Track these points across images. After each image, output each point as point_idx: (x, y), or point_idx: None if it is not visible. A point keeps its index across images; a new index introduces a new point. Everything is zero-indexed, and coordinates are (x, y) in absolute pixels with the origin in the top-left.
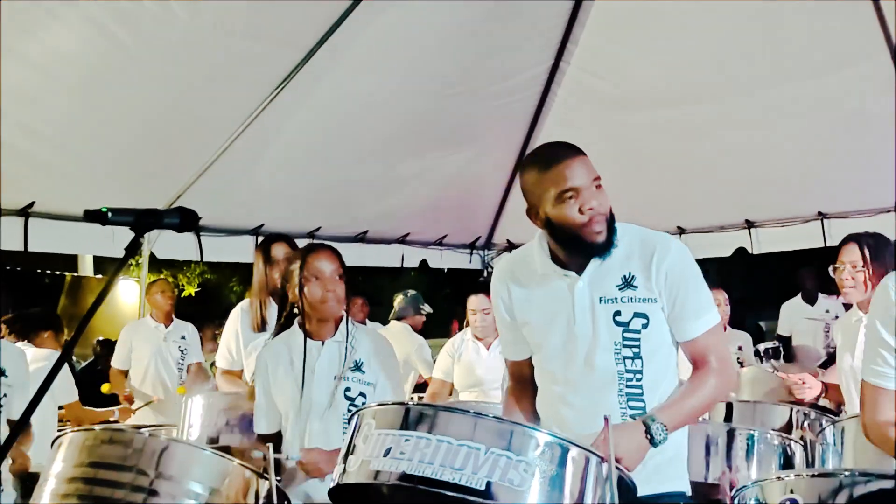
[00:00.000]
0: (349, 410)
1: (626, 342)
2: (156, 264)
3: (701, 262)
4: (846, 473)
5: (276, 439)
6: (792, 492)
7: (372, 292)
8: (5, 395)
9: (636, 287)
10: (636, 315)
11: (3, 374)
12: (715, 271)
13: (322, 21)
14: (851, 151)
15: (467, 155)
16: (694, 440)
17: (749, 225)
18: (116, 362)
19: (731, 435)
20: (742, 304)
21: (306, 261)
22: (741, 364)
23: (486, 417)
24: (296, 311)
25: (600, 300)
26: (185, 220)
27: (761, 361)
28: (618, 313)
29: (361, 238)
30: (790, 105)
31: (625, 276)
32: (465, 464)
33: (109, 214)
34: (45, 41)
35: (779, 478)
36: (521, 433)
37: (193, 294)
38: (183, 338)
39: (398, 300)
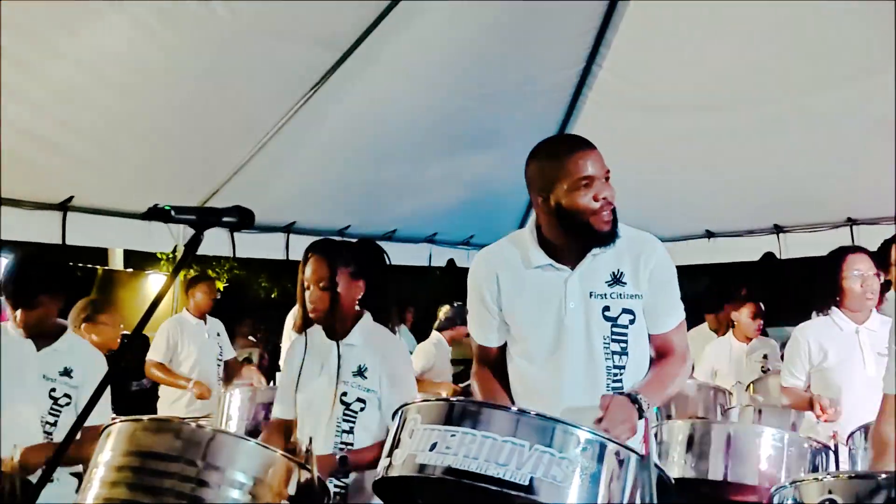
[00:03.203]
0: (345, 415)
1: (614, 337)
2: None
3: (728, 266)
4: (884, 475)
5: (289, 426)
6: (830, 492)
7: (399, 291)
8: (66, 397)
9: (625, 283)
10: (624, 311)
11: (68, 375)
12: (741, 275)
13: (358, 23)
14: (882, 158)
15: (496, 156)
16: (730, 442)
17: (778, 230)
18: (156, 354)
19: (762, 437)
20: (769, 309)
21: (301, 267)
22: (765, 371)
23: (529, 415)
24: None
25: (591, 295)
26: (242, 218)
27: None
28: (607, 308)
29: (390, 237)
30: (820, 111)
31: (614, 273)
32: (509, 459)
33: (173, 212)
34: (89, 40)
35: (817, 479)
36: (563, 430)
37: (222, 289)
38: (218, 334)
39: (444, 310)
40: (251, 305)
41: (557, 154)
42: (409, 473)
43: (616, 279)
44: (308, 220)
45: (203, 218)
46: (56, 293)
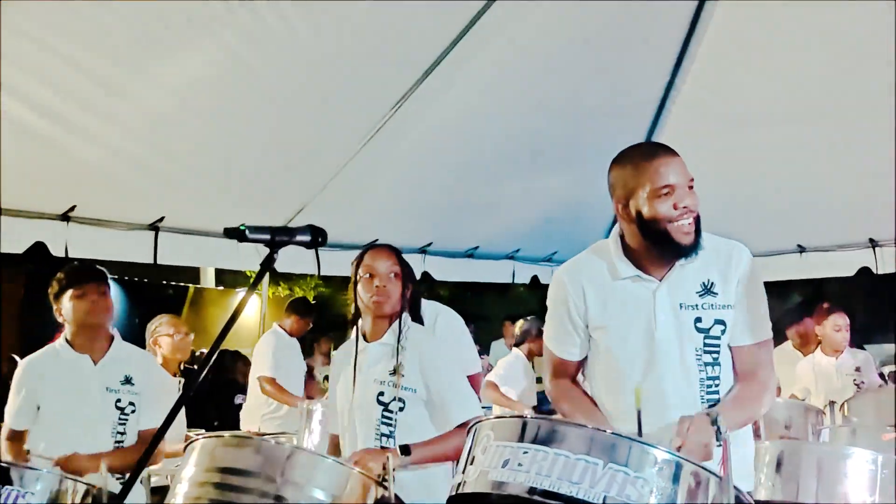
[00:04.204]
0: (383, 416)
1: (706, 348)
2: (273, 277)
3: (822, 281)
4: None
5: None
6: None
7: (479, 308)
8: (131, 404)
9: (716, 294)
10: (716, 321)
11: (129, 382)
12: (838, 291)
13: (438, 42)
14: None
15: (579, 172)
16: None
17: (873, 244)
18: (266, 370)
19: (852, 458)
20: (866, 324)
21: (362, 259)
22: (858, 386)
23: (603, 432)
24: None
25: (681, 306)
26: (314, 236)
27: (885, 384)
28: (699, 319)
29: (471, 254)
30: None
31: (704, 283)
32: (582, 478)
33: (247, 232)
34: (177, 65)
35: None
36: (639, 449)
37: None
38: (302, 350)
39: (518, 325)
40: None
41: (639, 161)
42: (482, 490)
43: (707, 289)
44: (389, 238)
45: (277, 236)
46: (105, 285)
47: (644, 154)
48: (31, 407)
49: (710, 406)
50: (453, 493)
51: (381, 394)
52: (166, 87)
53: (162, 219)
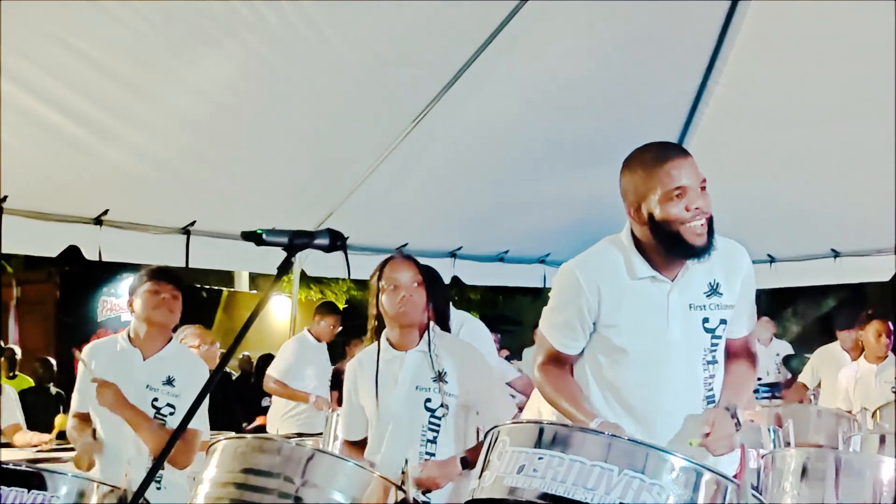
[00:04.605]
0: (430, 422)
1: (711, 348)
2: (305, 280)
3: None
4: None
5: (362, 446)
6: None
7: (510, 313)
8: (169, 406)
9: (721, 294)
10: (721, 321)
11: (170, 383)
12: (873, 296)
13: (466, 46)
14: None
15: (610, 175)
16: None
17: None
18: (277, 373)
19: (880, 467)
20: None
21: (383, 271)
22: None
23: (620, 439)
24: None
25: (690, 307)
26: (333, 240)
27: None
28: (706, 320)
29: (502, 258)
30: None
31: (711, 283)
32: (597, 484)
33: (264, 235)
34: (205, 69)
35: None
36: (655, 456)
37: (341, 309)
38: (334, 354)
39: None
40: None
41: (649, 164)
42: (497, 496)
43: (713, 289)
44: (420, 242)
45: (294, 240)
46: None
47: (655, 157)
48: (88, 390)
49: (709, 402)
50: (469, 498)
51: (429, 400)
52: (196, 92)
53: (193, 223)
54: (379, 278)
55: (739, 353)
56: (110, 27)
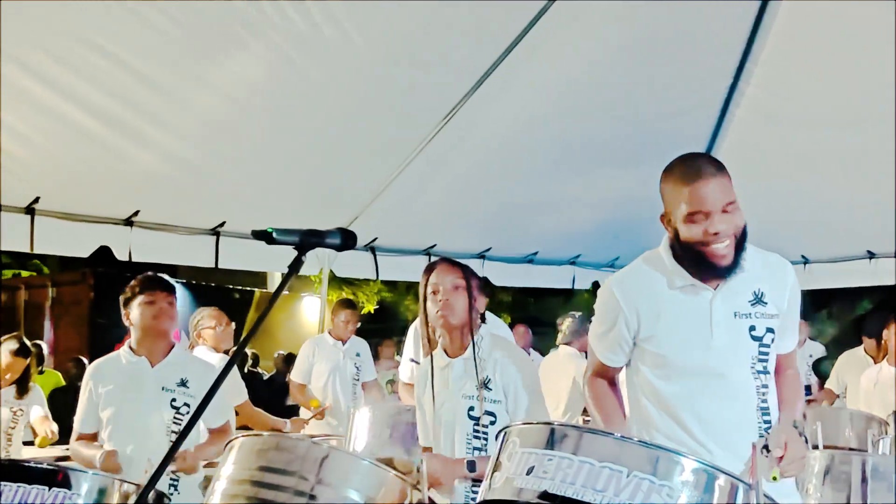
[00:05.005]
0: (474, 430)
1: (760, 357)
2: (336, 282)
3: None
4: None
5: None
6: None
7: (541, 314)
8: (186, 405)
9: (766, 303)
10: (767, 330)
11: (184, 385)
12: None
13: (493, 47)
14: None
15: (640, 176)
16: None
17: None
18: (296, 375)
19: None
20: None
21: (427, 277)
22: None
23: (630, 441)
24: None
25: (735, 314)
26: (344, 239)
27: None
28: (753, 328)
29: (531, 259)
30: None
31: (755, 292)
32: (606, 485)
33: (274, 234)
34: (235, 72)
35: None
36: (666, 458)
37: (372, 311)
38: (358, 355)
39: (566, 324)
40: (398, 327)
41: (678, 180)
42: (507, 497)
43: (758, 298)
44: (449, 243)
45: (304, 239)
46: (173, 296)
47: (683, 174)
48: (94, 410)
49: (763, 413)
50: (480, 500)
51: (472, 408)
52: (224, 94)
53: (222, 223)
54: (424, 285)
55: (788, 369)
56: (140, 30)
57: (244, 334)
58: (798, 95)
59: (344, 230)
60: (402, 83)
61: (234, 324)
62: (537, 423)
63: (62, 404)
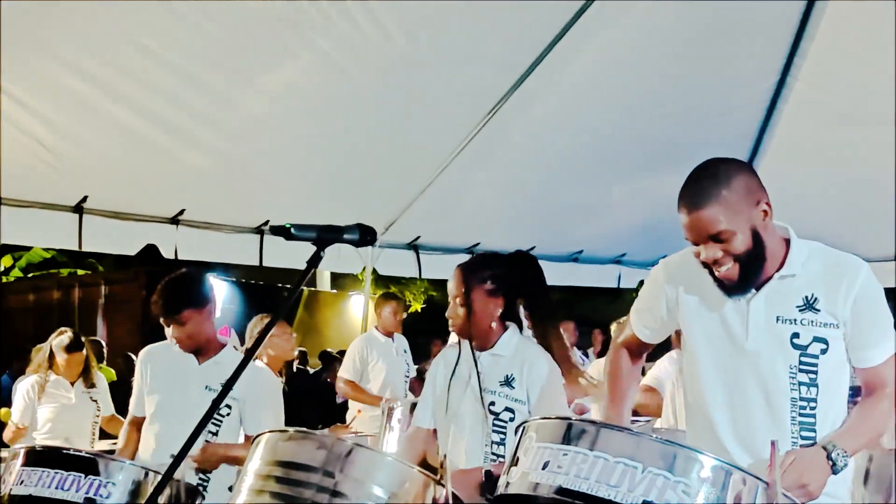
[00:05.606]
0: (494, 425)
1: (802, 367)
2: (383, 280)
3: None
4: None
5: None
6: None
7: (588, 313)
8: (227, 407)
9: (818, 310)
10: (815, 339)
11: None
12: None
13: (535, 45)
14: None
15: (686, 175)
16: None
17: None
18: (347, 373)
19: None
20: None
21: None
22: None
23: (646, 436)
24: None
25: (777, 319)
26: (363, 235)
27: None
28: (796, 335)
29: (576, 258)
30: None
31: (807, 298)
32: (621, 481)
33: (292, 230)
34: (279, 73)
35: None
36: (683, 454)
37: (420, 310)
38: (405, 351)
39: (614, 328)
40: (445, 326)
41: (679, 203)
42: (523, 492)
43: (809, 304)
44: (491, 242)
45: (323, 235)
46: (200, 308)
47: (679, 197)
48: (143, 394)
49: (803, 429)
50: (497, 494)
51: (493, 403)
52: (268, 93)
53: (267, 222)
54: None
55: (870, 387)
56: (186, 32)
57: (294, 333)
58: (846, 92)
59: (363, 226)
60: (444, 82)
61: (294, 335)
62: (555, 418)
63: (114, 400)
